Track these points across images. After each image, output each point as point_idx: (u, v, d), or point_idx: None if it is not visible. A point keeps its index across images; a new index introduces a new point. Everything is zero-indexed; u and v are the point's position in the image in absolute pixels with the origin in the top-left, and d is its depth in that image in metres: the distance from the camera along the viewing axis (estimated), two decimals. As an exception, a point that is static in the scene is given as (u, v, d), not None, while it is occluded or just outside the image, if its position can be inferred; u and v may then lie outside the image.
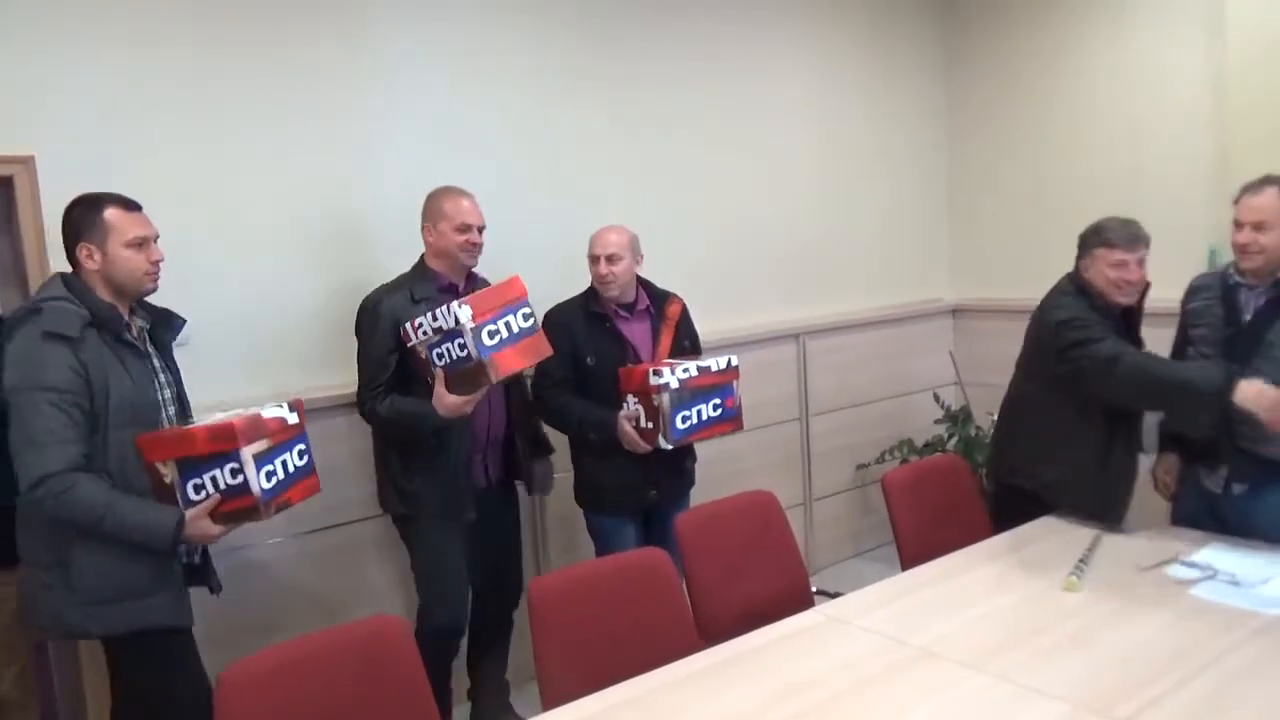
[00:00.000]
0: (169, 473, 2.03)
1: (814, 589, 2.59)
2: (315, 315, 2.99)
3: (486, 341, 2.46)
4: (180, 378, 2.32)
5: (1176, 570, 2.27)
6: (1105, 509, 2.60)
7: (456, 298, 2.61)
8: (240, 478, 2.02)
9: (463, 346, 2.45)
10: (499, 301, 2.51)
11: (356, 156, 3.06)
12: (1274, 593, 2.10)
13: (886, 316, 4.53)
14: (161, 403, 2.18)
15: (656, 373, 2.72)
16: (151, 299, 2.26)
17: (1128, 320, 2.67)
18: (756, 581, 2.46)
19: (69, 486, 1.94)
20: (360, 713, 1.79)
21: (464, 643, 2.94)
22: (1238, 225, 2.46)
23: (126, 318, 2.15)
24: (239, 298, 2.86)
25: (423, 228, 2.75)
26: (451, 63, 3.24)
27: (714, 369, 2.82)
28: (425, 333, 2.51)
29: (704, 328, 3.24)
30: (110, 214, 2.11)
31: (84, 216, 2.12)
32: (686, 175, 3.86)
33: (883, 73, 4.54)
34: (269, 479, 2.07)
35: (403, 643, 1.87)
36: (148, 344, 2.21)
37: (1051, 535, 2.59)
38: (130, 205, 2.15)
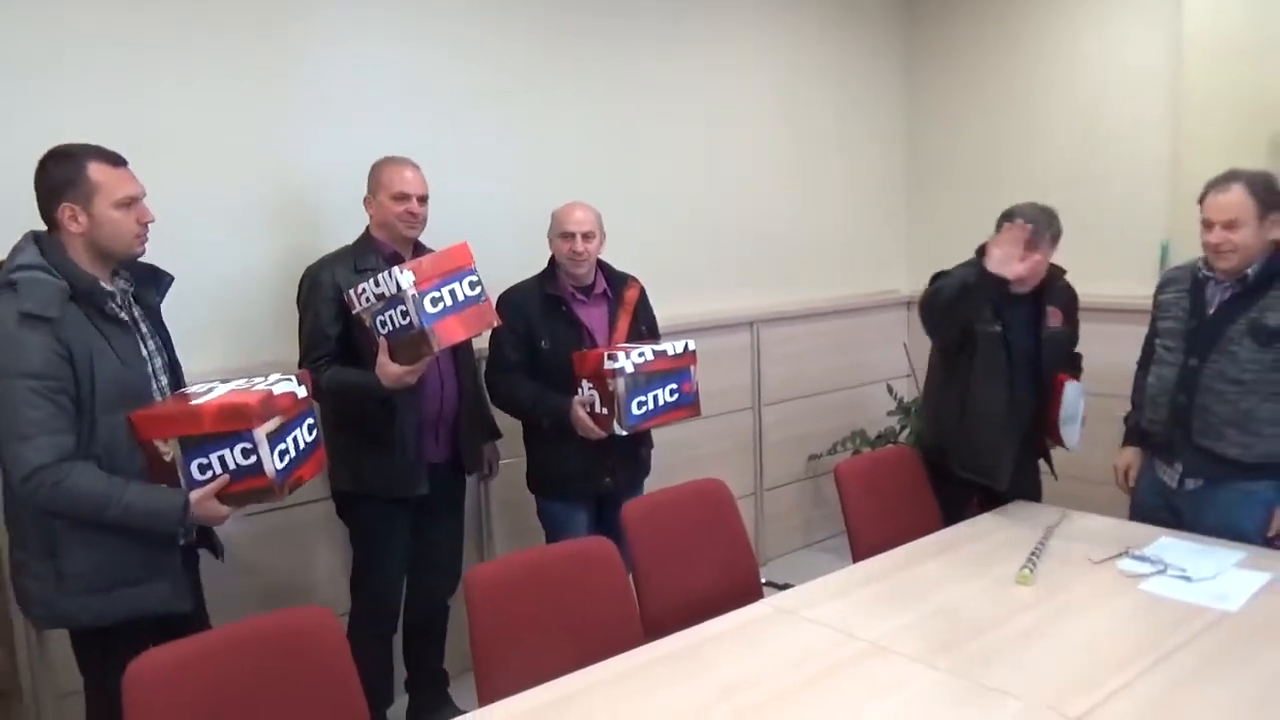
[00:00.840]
0: (170, 451, 1.90)
1: (763, 580, 2.53)
2: (262, 286, 2.84)
3: (429, 309, 2.35)
4: (170, 341, 2.13)
5: (1127, 564, 2.25)
6: (980, 465, 2.69)
7: None
8: (253, 458, 1.90)
9: (404, 314, 2.35)
10: (443, 268, 2.40)
11: (305, 125, 2.91)
12: (1224, 588, 2.08)
13: (841, 307, 4.49)
14: (152, 375, 2.01)
15: (611, 357, 2.63)
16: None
17: (1037, 301, 2.73)
18: (705, 572, 2.39)
19: (63, 478, 1.81)
20: (281, 708, 1.67)
21: (400, 635, 2.85)
22: (1207, 225, 2.40)
23: (109, 285, 1.97)
24: (181, 269, 2.67)
25: (365, 199, 2.66)
26: (405, 30, 3.11)
27: (670, 353, 2.74)
28: (368, 299, 2.40)
29: (657, 313, 3.16)
30: (95, 170, 1.90)
31: (64, 173, 1.90)
32: (644, 158, 3.77)
33: (843, 64, 4.49)
34: (282, 458, 1.95)
35: (327, 635, 1.75)
36: (133, 309, 2.03)
37: (1004, 528, 2.56)
38: (115, 159, 1.94)
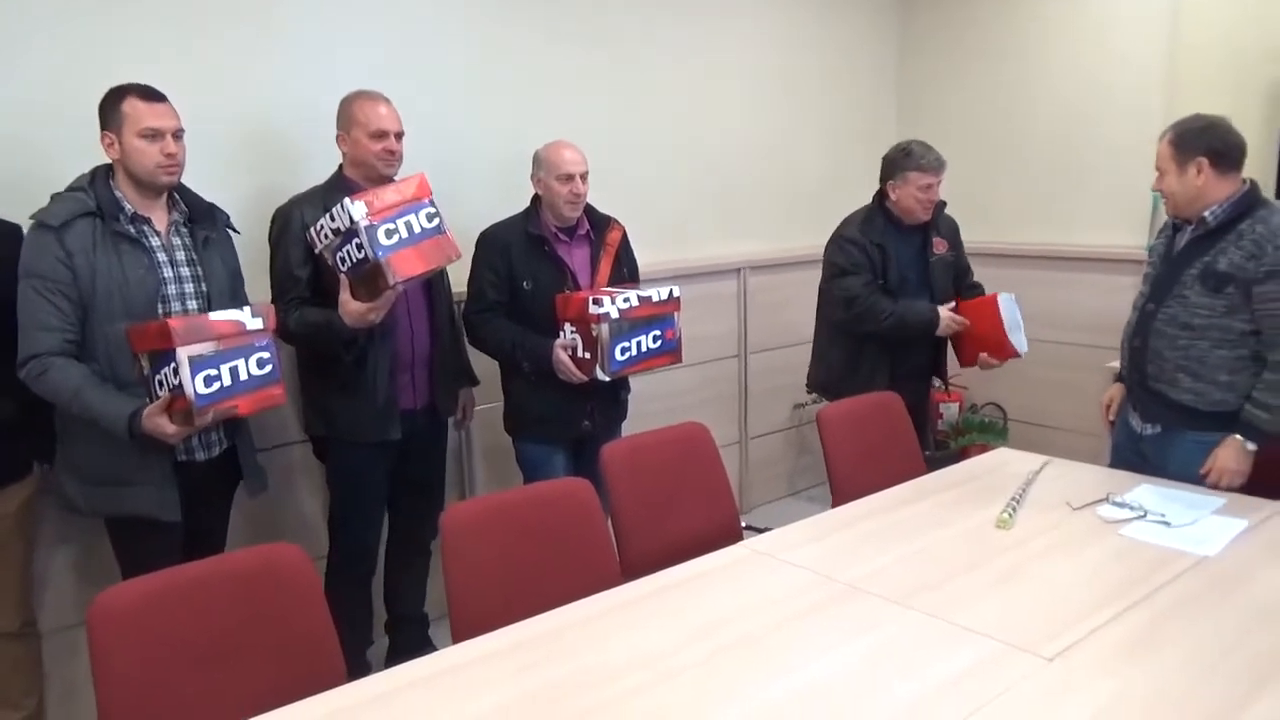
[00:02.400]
0: (146, 365, 2.04)
1: (744, 525, 2.52)
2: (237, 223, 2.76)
3: (383, 241, 2.30)
4: (224, 273, 2.28)
5: (1107, 510, 2.24)
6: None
7: None
8: (179, 378, 1.96)
9: (360, 247, 2.30)
10: (398, 199, 2.35)
11: (275, 60, 2.82)
12: (1203, 533, 2.08)
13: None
14: (166, 297, 2.15)
15: (596, 301, 2.59)
16: (200, 192, 2.29)
17: (924, 232, 3.11)
18: (684, 515, 2.37)
19: (45, 370, 2.02)
20: (251, 644, 1.65)
21: (381, 576, 2.85)
22: None
23: (147, 212, 2.16)
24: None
25: (337, 136, 2.57)
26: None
27: (655, 299, 2.71)
28: (326, 235, 2.35)
29: (643, 258, 3.11)
30: (129, 103, 2.10)
31: (108, 106, 2.13)
32: (630, 100, 3.69)
33: (835, 11, 4.39)
34: (209, 383, 1.99)
35: (298, 573, 1.73)
36: (172, 237, 2.19)
37: (986, 473, 2.55)
38: (152, 95, 2.13)
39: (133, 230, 2.13)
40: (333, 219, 2.31)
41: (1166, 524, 2.13)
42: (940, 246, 3.13)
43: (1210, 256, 2.35)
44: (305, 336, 2.47)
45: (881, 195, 3.10)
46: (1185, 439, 2.43)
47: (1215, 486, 2.33)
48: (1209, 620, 1.71)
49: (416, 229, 2.35)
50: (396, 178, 2.62)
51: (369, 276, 2.32)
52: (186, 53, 2.67)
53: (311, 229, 2.39)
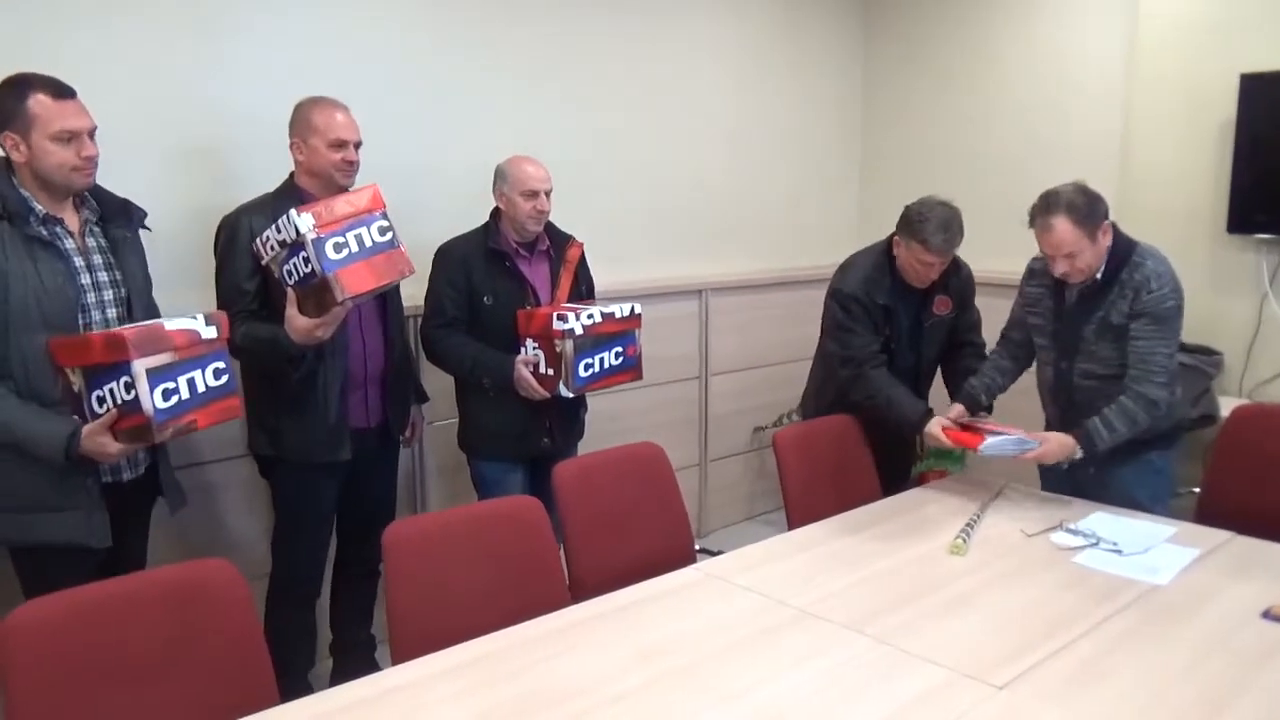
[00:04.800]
0: (77, 381, 1.88)
1: (698, 547, 2.48)
2: (174, 236, 2.68)
3: (331, 255, 2.18)
4: (137, 276, 2.12)
5: (1061, 537, 2.24)
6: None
7: None
8: (133, 393, 1.83)
9: (307, 260, 2.20)
10: (349, 211, 2.24)
11: (226, 64, 2.76)
12: (1154, 562, 2.07)
13: (792, 278, 4.43)
14: (86, 305, 2.00)
15: (561, 317, 2.56)
16: (112, 190, 2.11)
17: (929, 290, 2.82)
18: (637, 536, 2.33)
19: None
20: (176, 663, 1.58)
21: (326, 597, 2.77)
22: (1050, 257, 2.41)
23: (58, 212, 1.99)
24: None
25: (291, 143, 2.48)
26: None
27: (618, 315, 2.70)
28: (272, 247, 2.26)
29: (605, 278, 3.08)
30: (35, 102, 1.91)
31: (8, 103, 1.91)
32: (593, 118, 3.66)
33: (797, 30, 4.40)
34: (166, 397, 1.86)
35: (229, 589, 1.66)
36: (86, 239, 2.04)
37: (941, 499, 2.54)
38: (61, 92, 1.94)
39: (44, 233, 1.96)
40: (279, 230, 2.22)
41: (1119, 552, 2.13)
42: (942, 307, 2.85)
43: (1103, 311, 2.42)
44: (251, 351, 2.37)
45: (892, 245, 2.79)
46: (1122, 465, 2.47)
47: (1032, 459, 2.43)
48: (1159, 649, 1.69)
49: (368, 242, 2.25)
50: (351, 188, 2.57)
51: (317, 291, 2.23)
52: (122, 46, 2.58)
53: (258, 241, 2.30)
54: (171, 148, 2.69)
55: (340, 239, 2.21)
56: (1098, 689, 1.55)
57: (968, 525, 2.29)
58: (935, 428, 2.59)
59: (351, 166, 2.48)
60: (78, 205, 2.05)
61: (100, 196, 2.11)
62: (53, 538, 1.97)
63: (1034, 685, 1.57)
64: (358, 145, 2.49)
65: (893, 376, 2.75)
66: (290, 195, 2.46)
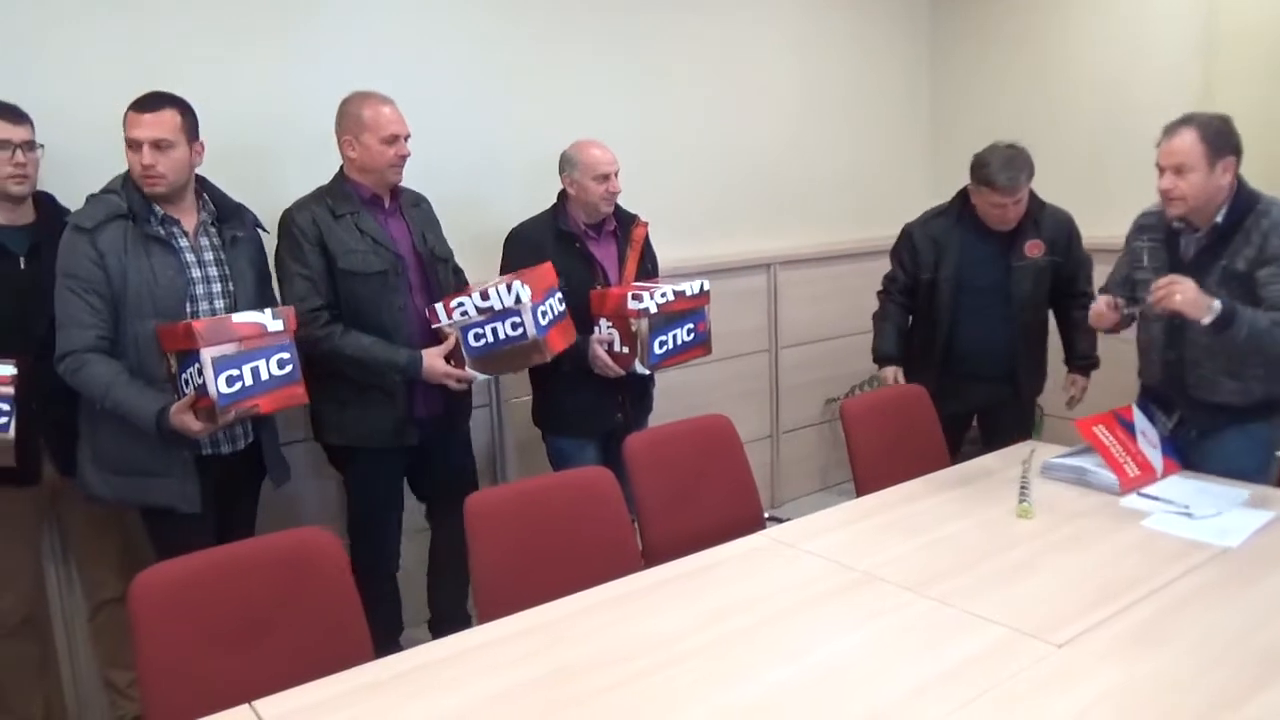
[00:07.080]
0: (174, 364, 2.13)
1: (767, 515, 2.55)
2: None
3: (541, 321, 2.50)
4: (250, 274, 2.34)
5: (1132, 500, 2.24)
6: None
7: (382, 212, 2.55)
8: (203, 378, 2.05)
9: (516, 325, 2.47)
10: (542, 285, 2.54)
11: (282, 63, 2.85)
12: (1225, 525, 2.06)
13: (861, 249, 4.42)
14: (195, 297, 2.23)
15: (635, 297, 2.67)
16: (230, 193, 2.37)
17: (1012, 233, 2.88)
18: (707, 505, 2.41)
19: (81, 365, 2.12)
20: (285, 623, 1.73)
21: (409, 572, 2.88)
22: (1160, 170, 2.34)
23: (176, 213, 2.24)
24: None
25: (342, 140, 2.52)
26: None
27: (689, 293, 2.80)
28: (466, 313, 2.49)
29: (673, 254, 3.15)
30: (129, 116, 2.18)
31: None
32: (658, 96, 3.72)
33: (868, 2, 4.38)
34: (230, 383, 2.07)
35: (329, 556, 1.80)
36: (200, 238, 2.28)
37: (1012, 465, 2.55)
38: (141, 105, 2.18)
39: (162, 232, 2.21)
40: (485, 298, 2.48)
41: (1189, 515, 2.12)
42: (1034, 250, 2.85)
43: (1227, 260, 2.32)
44: (357, 361, 2.47)
45: (964, 192, 2.92)
46: (1227, 434, 2.41)
47: (1161, 295, 2.21)
48: (1223, 611, 1.70)
49: (556, 311, 2.62)
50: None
51: (521, 352, 2.52)
52: (185, 63, 2.68)
53: (439, 306, 2.51)
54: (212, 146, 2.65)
55: (544, 307, 2.54)
56: (1158, 649, 1.58)
57: (1022, 489, 2.31)
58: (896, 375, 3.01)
59: (404, 160, 2.55)
60: (198, 207, 2.30)
61: (217, 199, 2.34)
62: (155, 500, 2.23)
63: (1094, 644, 1.60)
64: (407, 138, 2.56)
65: (901, 313, 3.09)
66: (342, 189, 2.53)
